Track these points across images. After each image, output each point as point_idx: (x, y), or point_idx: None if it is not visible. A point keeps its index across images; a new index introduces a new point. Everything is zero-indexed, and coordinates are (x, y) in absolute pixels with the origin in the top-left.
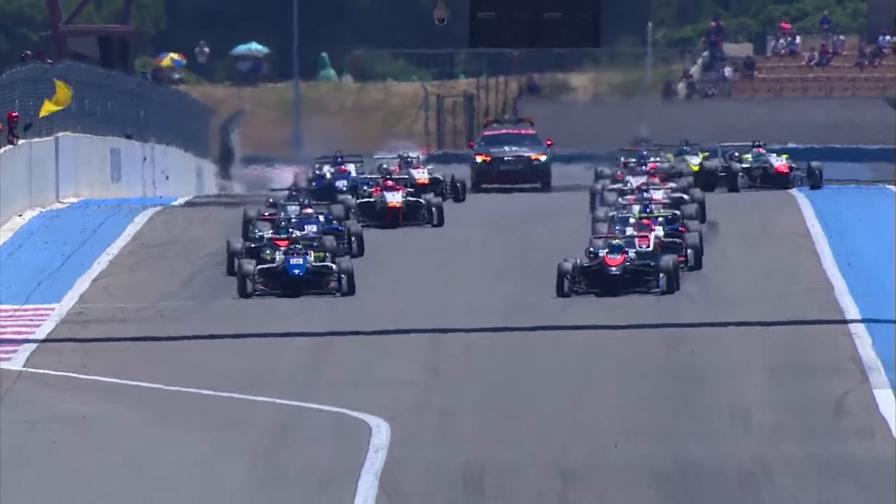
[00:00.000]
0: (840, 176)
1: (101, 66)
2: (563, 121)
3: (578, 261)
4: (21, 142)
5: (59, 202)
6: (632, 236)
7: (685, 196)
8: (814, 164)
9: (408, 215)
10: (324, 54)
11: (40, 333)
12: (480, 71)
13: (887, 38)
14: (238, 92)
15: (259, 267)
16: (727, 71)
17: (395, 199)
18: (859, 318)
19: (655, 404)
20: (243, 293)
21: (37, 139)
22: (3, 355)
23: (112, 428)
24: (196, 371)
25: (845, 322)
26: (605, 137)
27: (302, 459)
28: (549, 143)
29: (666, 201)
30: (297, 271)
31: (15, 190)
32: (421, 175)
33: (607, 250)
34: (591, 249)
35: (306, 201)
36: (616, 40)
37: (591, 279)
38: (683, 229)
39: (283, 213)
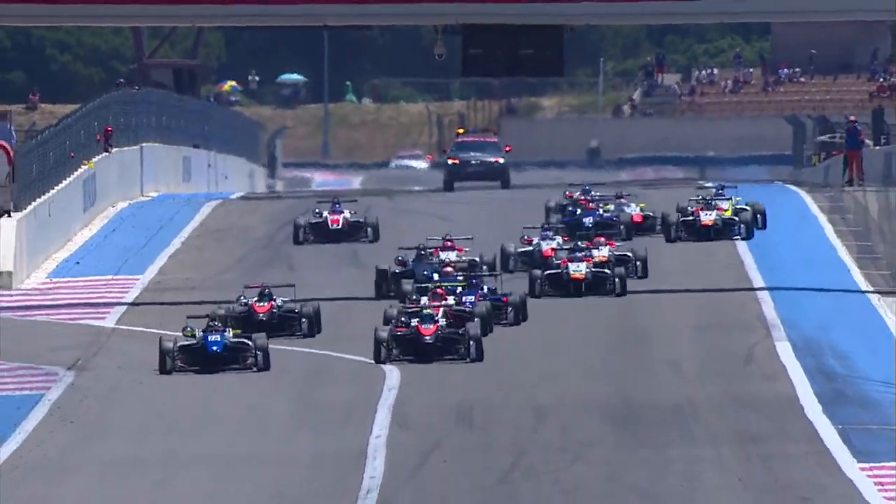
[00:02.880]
0: (749, 177)
1: (175, 91)
2: (534, 135)
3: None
4: (114, 150)
5: (144, 196)
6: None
7: (629, 254)
8: (758, 206)
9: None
10: (348, 82)
11: (128, 298)
12: (470, 95)
13: (785, 70)
14: (281, 112)
15: (179, 344)
16: (675, 87)
17: (450, 257)
18: (764, 286)
19: (607, 356)
20: (163, 370)
21: (126, 148)
22: (100, 315)
23: (184, 373)
24: None
25: (753, 290)
26: (567, 147)
27: (330, 396)
28: (507, 149)
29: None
30: (214, 348)
31: (109, 187)
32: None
33: (419, 319)
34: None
35: (447, 259)
36: (575, 71)
37: (405, 346)
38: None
39: (418, 272)
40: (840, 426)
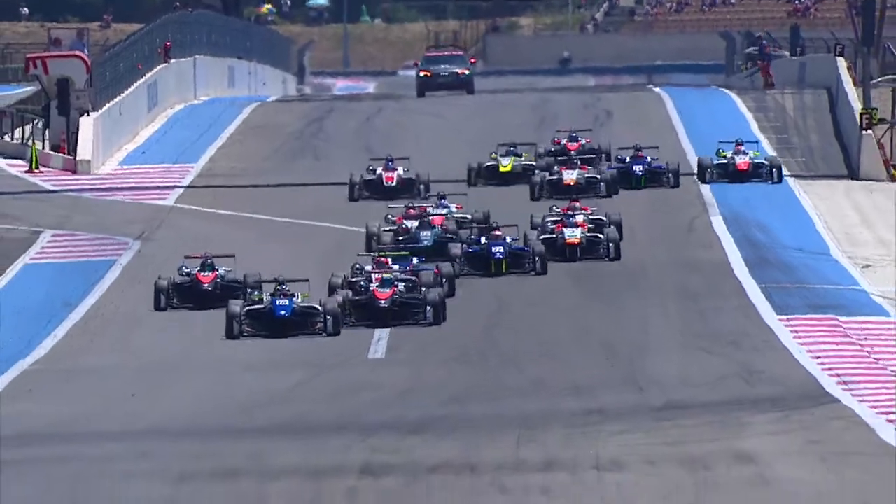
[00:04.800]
0: (688, 82)
1: (222, 12)
2: (515, 48)
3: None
4: (172, 61)
5: (196, 99)
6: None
7: (604, 218)
8: (775, 161)
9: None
10: (363, 5)
11: (185, 182)
12: (463, 16)
13: None
14: (309, 30)
15: (246, 308)
16: (647, 7)
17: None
18: None
19: None
20: (230, 335)
21: (182, 59)
22: (162, 196)
23: (230, 242)
24: (283, 205)
25: (693, 175)
26: (542, 59)
27: (350, 262)
28: (472, 60)
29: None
30: (283, 312)
31: (168, 91)
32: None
33: (377, 284)
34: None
35: (495, 223)
36: None
37: (361, 311)
38: (437, 271)
39: (420, 238)
40: (763, 285)
